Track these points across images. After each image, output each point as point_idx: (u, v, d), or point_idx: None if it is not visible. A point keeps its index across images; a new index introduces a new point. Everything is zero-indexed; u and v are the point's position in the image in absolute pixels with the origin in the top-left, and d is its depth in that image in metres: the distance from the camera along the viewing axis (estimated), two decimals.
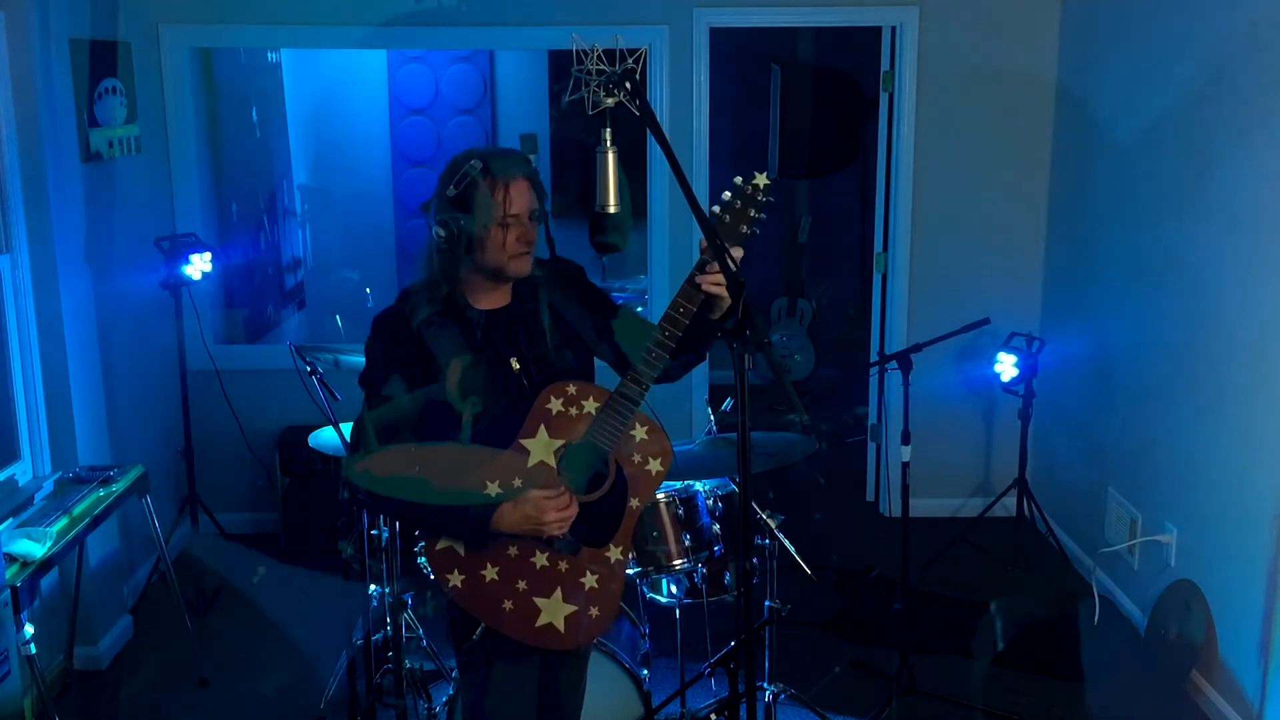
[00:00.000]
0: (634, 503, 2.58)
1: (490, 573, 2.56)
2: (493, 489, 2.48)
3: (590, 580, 2.58)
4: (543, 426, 2.52)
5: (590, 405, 2.52)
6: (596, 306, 2.72)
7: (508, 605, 2.57)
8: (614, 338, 2.70)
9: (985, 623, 4.60)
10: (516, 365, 2.59)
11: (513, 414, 2.54)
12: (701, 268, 2.43)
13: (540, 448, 2.52)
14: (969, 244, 5.44)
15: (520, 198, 2.52)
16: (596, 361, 2.73)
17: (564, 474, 2.54)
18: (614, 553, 2.59)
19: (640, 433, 2.56)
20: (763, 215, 2.44)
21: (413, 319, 2.56)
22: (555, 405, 2.52)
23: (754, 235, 2.44)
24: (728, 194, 2.44)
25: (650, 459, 2.58)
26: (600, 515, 2.59)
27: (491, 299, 2.63)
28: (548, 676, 2.78)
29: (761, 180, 2.43)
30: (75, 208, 4.33)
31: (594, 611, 2.59)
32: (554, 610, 2.57)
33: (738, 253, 2.38)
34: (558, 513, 2.51)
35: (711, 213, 2.42)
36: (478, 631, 2.63)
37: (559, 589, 2.57)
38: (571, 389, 2.53)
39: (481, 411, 2.54)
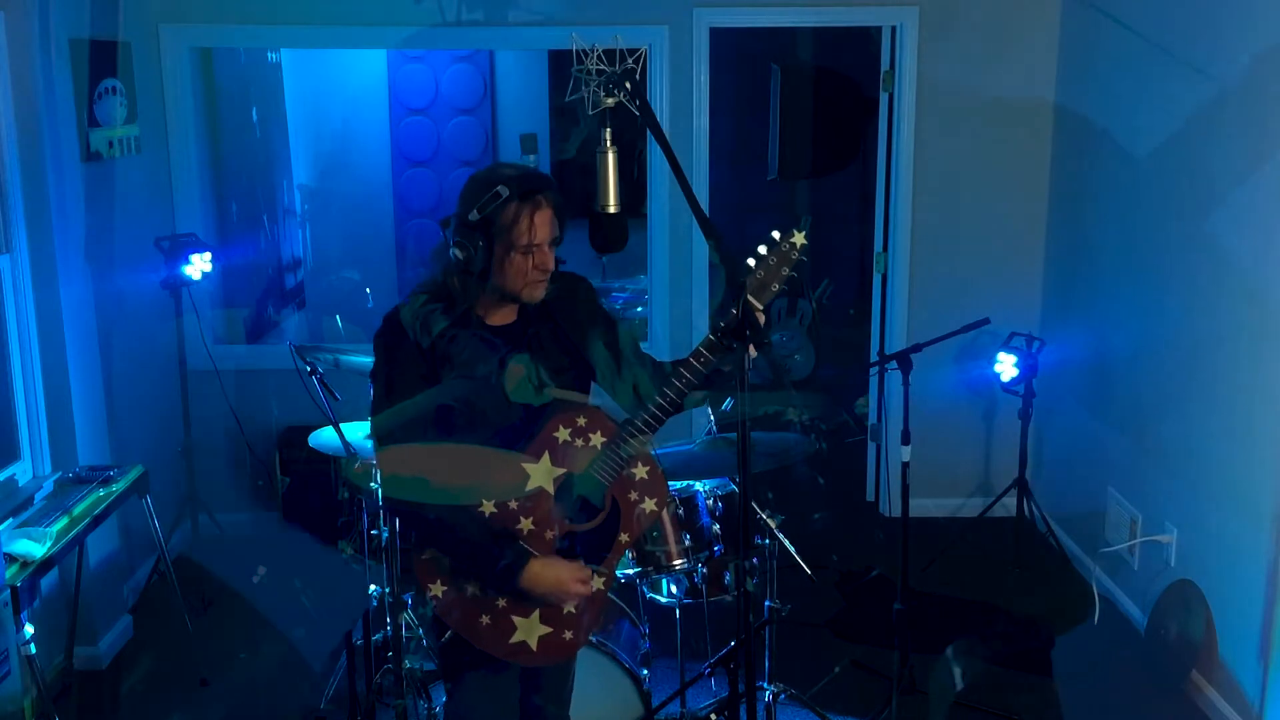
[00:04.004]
0: (624, 537, 2.61)
1: (473, 587, 2.59)
2: (487, 507, 2.52)
3: (569, 606, 2.61)
4: (547, 453, 2.54)
5: (597, 439, 2.54)
6: (602, 330, 2.72)
7: (485, 620, 2.60)
8: (615, 364, 2.70)
9: (985, 622, 4.61)
10: None
11: (509, 431, 2.55)
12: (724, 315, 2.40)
13: (541, 473, 2.54)
14: (969, 244, 5.43)
15: (544, 226, 2.50)
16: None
17: (559, 502, 2.56)
18: (596, 582, 2.61)
19: (641, 472, 2.59)
20: (795, 274, 2.43)
21: (419, 327, 2.55)
22: (563, 434, 2.54)
23: (783, 292, 2.43)
24: (763, 249, 2.42)
25: (646, 498, 2.60)
26: (589, 545, 2.61)
27: (500, 315, 2.62)
28: (529, 675, 2.79)
29: (799, 239, 2.42)
30: (75, 208, 4.33)
31: (568, 635, 2.63)
32: (529, 630, 2.60)
33: (760, 317, 2.37)
34: (580, 585, 2.55)
35: (747, 266, 2.41)
36: (447, 634, 2.67)
37: (538, 610, 2.60)
38: (581, 421, 2.54)
39: (478, 427, 2.54)
